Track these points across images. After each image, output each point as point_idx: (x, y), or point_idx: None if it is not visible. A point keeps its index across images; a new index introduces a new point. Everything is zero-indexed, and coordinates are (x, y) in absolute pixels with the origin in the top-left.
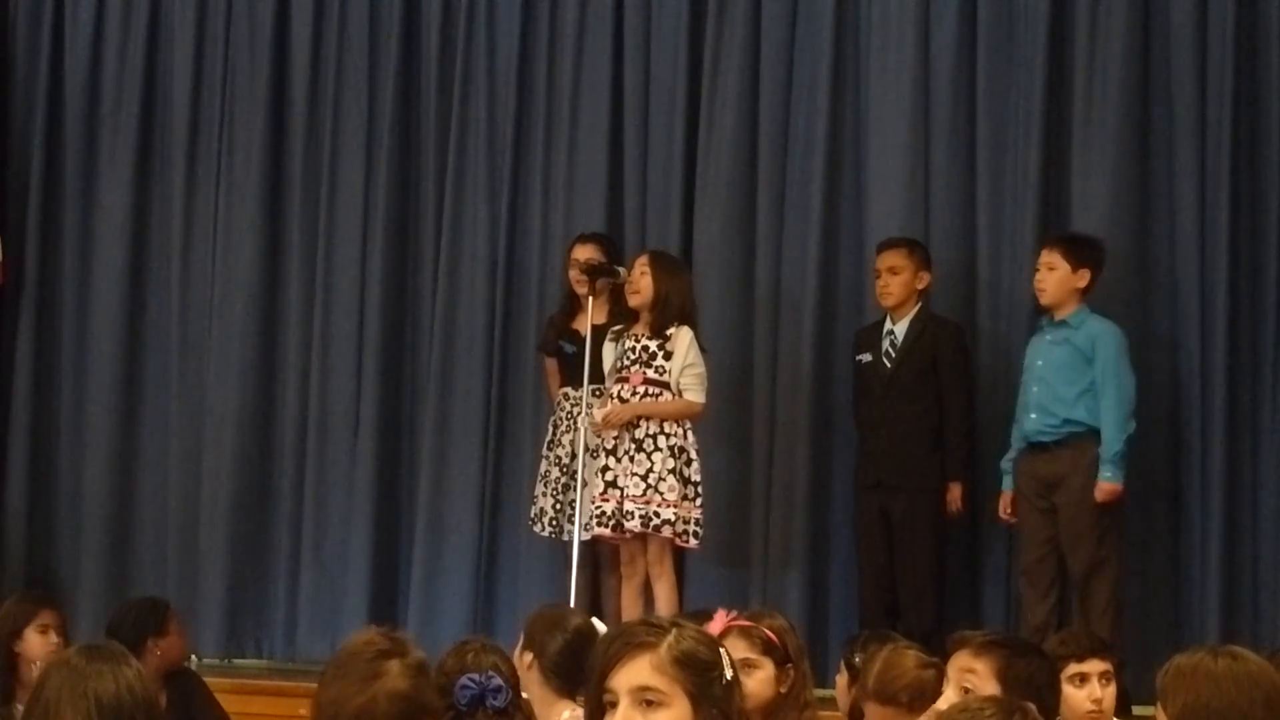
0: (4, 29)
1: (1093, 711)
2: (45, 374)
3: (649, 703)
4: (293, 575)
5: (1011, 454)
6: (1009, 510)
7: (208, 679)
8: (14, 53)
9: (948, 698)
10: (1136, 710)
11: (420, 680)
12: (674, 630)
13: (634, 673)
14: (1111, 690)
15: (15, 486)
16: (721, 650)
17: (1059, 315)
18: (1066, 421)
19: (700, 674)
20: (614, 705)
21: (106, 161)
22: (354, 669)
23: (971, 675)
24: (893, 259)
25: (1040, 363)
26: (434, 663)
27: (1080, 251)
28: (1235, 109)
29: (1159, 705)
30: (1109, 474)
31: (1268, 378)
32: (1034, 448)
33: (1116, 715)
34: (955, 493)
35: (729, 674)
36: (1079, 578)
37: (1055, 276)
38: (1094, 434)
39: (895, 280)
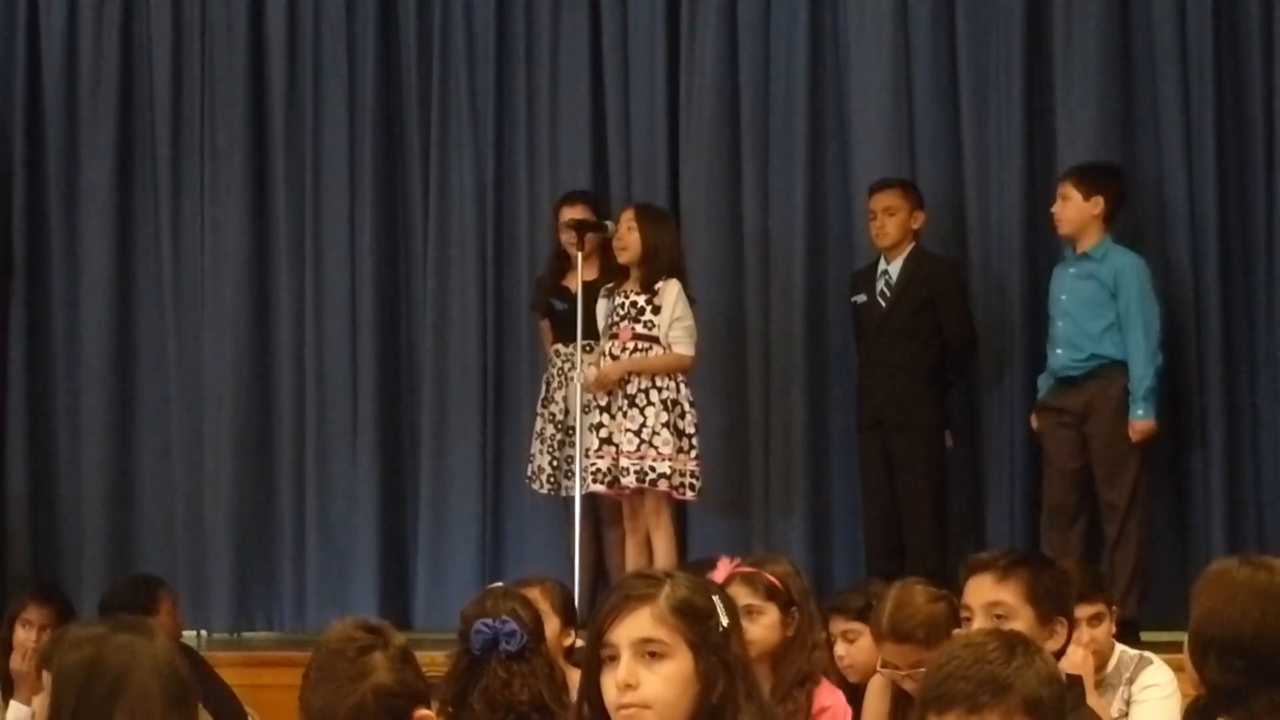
0: None
1: None
2: (39, 358)
3: (652, 654)
4: (299, 546)
5: (1048, 379)
6: (1038, 425)
7: (217, 653)
8: None
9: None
10: (1145, 636)
11: (406, 669)
12: (669, 581)
13: (635, 625)
14: (1103, 629)
15: (15, 471)
16: (715, 598)
17: (1081, 247)
18: (1093, 356)
19: (699, 622)
20: (613, 659)
21: (88, 140)
22: (338, 670)
23: (1000, 607)
24: (888, 199)
25: (1064, 297)
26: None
27: (1091, 179)
28: (1216, 32)
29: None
30: (1141, 411)
31: (1260, 298)
32: (1063, 382)
33: (1124, 643)
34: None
35: (725, 621)
36: (1117, 511)
37: (1069, 206)
38: (1121, 365)
39: (891, 221)
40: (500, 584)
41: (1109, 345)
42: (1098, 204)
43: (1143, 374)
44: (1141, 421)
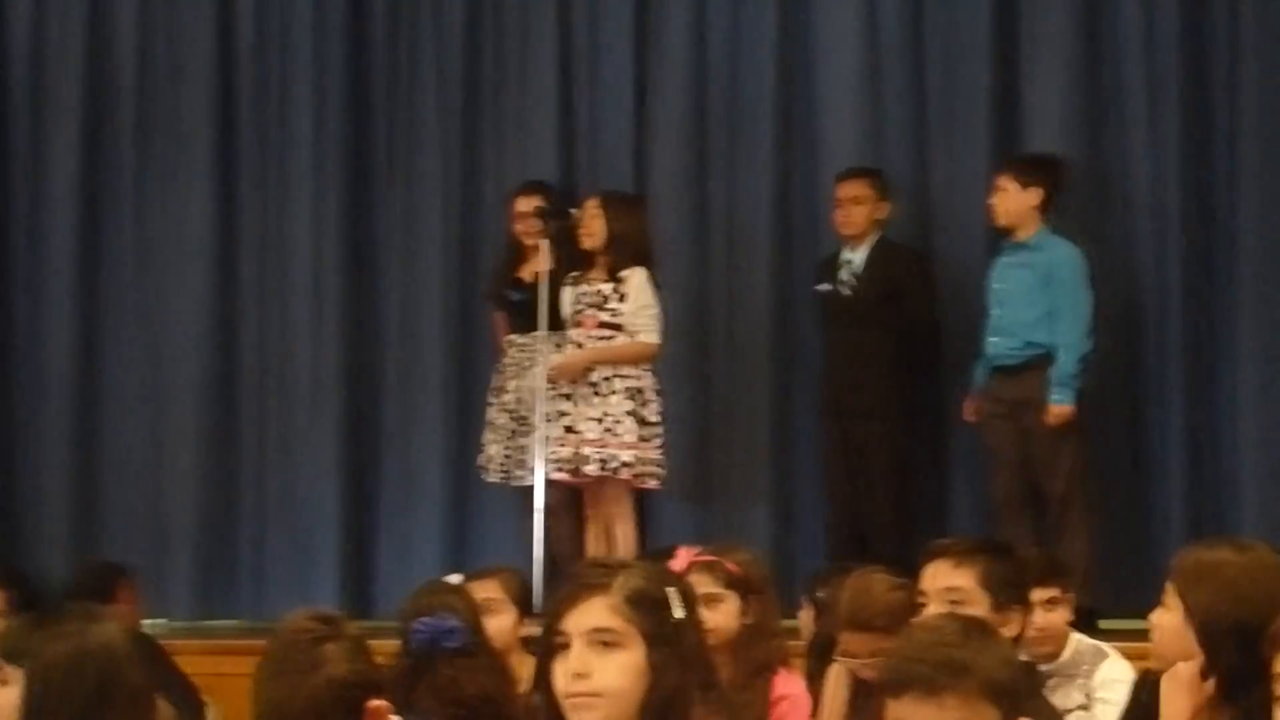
0: None
1: (1037, 638)
2: (1, 343)
3: (604, 644)
4: (260, 534)
5: (985, 366)
6: (974, 414)
7: (177, 641)
8: None
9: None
10: (1104, 624)
11: (360, 660)
12: (624, 570)
13: (589, 614)
14: (1059, 614)
15: None
16: (671, 589)
17: (1019, 237)
18: (1028, 344)
19: (653, 613)
20: (565, 648)
21: (54, 124)
22: (292, 661)
23: (956, 593)
24: (855, 189)
25: (1001, 286)
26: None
27: (1028, 170)
28: (1181, 24)
29: (1173, 595)
30: (1058, 396)
31: (1222, 286)
32: (1000, 371)
33: (1082, 631)
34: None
35: (679, 612)
36: (1056, 500)
37: (1007, 197)
38: (1055, 356)
39: (857, 210)
40: (437, 579)
41: (1042, 333)
42: (1035, 195)
43: (1066, 360)
44: (1059, 406)
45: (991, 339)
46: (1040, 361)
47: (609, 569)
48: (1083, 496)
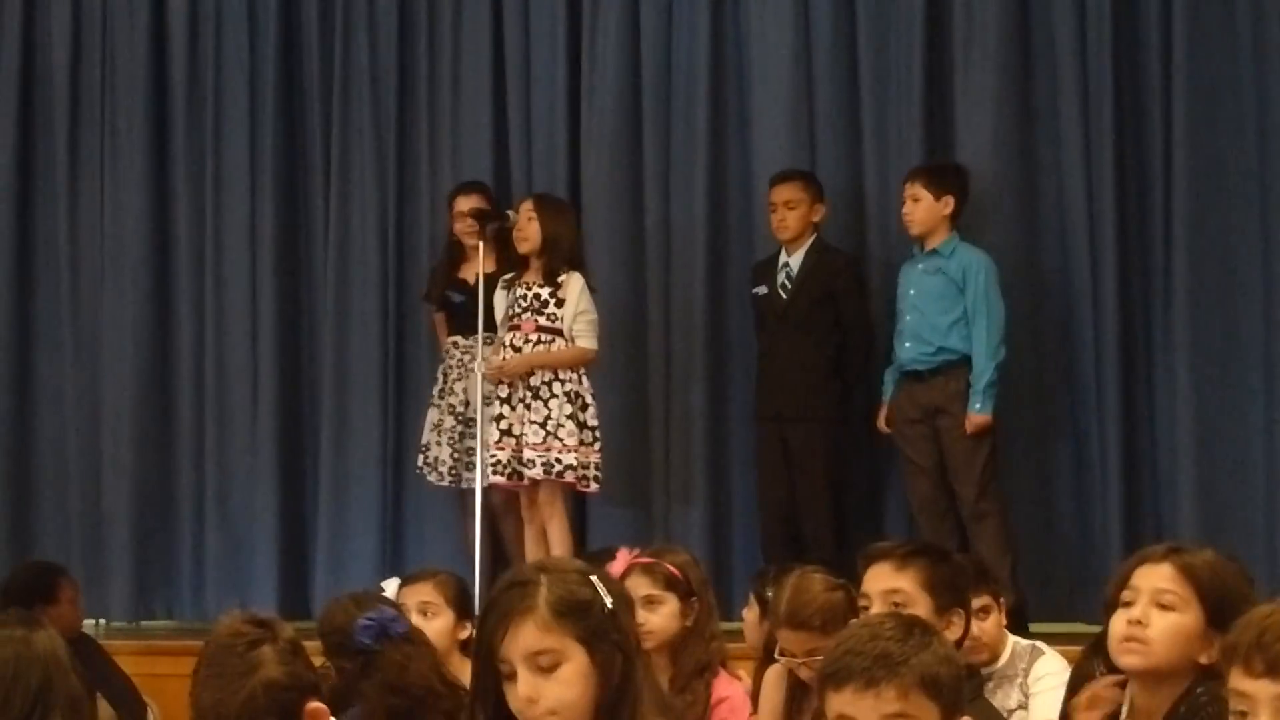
0: None
1: (969, 645)
2: None
3: (546, 664)
4: (198, 536)
5: (894, 374)
6: (886, 422)
7: (116, 642)
8: None
9: None
10: (1035, 628)
11: (296, 662)
12: (544, 582)
13: (523, 639)
14: (991, 621)
15: None
16: (594, 580)
17: (930, 244)
18: (941, 350)
19: (583, 615)
20: (512, 675)
21: None
22: (228, 665)
23: (898, 595)
24: (789, 192)
25: (913, 291)
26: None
27: (940, 179)
28: (1114, 28)
29: (1190, 598)
30: (978, 405)
31: (1158, 301)
32: (911, 376)
33: (1016, 634)
34: None
35: (608, 602)
36: (969, 505)
37: (920, 207)
38: (968, 362)
39: (792, 214)
40: (342, 594)
41: (955, 339)
42: (948, 204)
43: (984, 368)
44: (978, 415)
45: (905, 344)
46: (951, 367)
47: (528, 585)
48: (996, 501)
